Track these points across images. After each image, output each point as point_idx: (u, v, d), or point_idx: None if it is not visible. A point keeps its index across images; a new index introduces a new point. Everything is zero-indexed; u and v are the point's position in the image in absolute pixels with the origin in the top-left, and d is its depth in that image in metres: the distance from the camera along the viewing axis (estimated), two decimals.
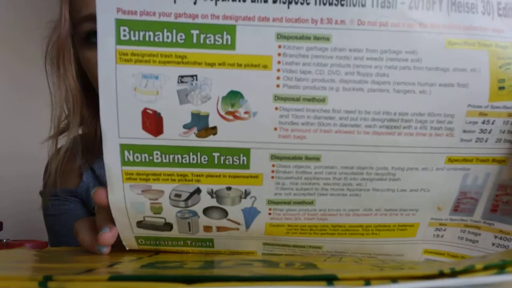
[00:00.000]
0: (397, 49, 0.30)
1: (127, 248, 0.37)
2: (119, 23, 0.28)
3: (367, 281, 0.20)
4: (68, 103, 0.53)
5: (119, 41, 0.29)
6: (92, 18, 0.46)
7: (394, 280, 0.20)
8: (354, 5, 0.29)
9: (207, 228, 0.35)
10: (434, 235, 0.36)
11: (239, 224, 0.34)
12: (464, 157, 0.33)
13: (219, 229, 0.35)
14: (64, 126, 0.56)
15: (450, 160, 0.33)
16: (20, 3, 1.06)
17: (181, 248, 0.37)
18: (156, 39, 0.29)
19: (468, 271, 0.21)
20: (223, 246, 0.36)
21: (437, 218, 0.35)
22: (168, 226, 0.35)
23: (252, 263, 0.30)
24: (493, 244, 0.35)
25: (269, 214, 0.34)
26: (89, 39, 0.48)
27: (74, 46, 0.51)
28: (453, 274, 0.20)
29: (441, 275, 0.21)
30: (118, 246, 0.36)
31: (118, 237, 0.35)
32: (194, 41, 0.29)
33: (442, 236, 0.36)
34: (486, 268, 0.21)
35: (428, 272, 0.21)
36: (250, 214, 0.34)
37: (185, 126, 0.31)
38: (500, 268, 0.20)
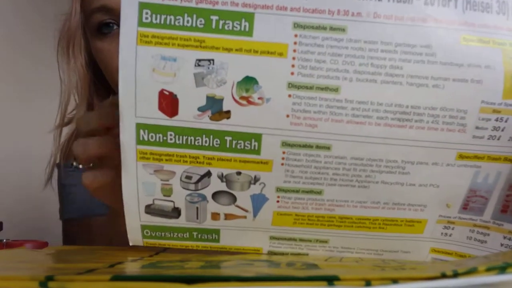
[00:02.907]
0: (411, 43, 0.31)
1: (130, 244, 0.37)
2: (142, 6, 0.30)
3: (368, 282, 0.21)
4: (77, 89, 0.56)
5: (141, 23, 0.30)
6: (105, 9, 0.49)
7: (395, 281, 0.21)
8: None
9: (215, 216, 0.36)
10: (442, 233, 0.37)
11: (247, 211, 0.35)
12: (475, 154, 0.33)
13: (226, 216, 0.36)
14: (72, 116, 0.58)
15: (461, 157, 0.33)
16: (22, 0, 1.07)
17: (186, 243, 0.37)
18: (176, 23, 0.31)
19: (471, 273, 0.21)
20: (229, 240, 0.37)
21: (445, 216, 0.36)
22: (176, 212, 0.36)
23: (253, 263, 0.31)
24: (501, 245, 0.36)
25: (277, 202, 0.35)
26: (101, 30, 0.50)
27: (85, 37, 0.53)
28: (455, 276, 0.21)
29: (443, 277, 0.21)
30: (120, 245, 0.36)
31: (121, 237, 0.36)
32: (213, 26, 0.31)
33: (450, 235, 0.37)
34: (488, 271, 0.21)
35: (430, 274, 0.21)
36: (259, 201, 0.35)
37: (199, 109, 0.32)
38: (502, 270, 0.21)
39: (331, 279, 0.21)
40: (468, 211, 0.36)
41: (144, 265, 0.30)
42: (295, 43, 0.31)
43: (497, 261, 0.22)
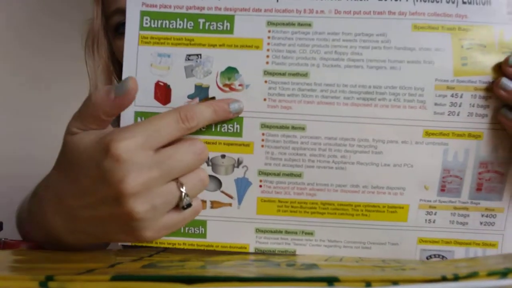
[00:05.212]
0: (369, 32, 0.37)
1: None
2: (143, 14, 0.38)
3: (368, 283, 0.21)
4: (100, 82, 0.64)
5: (142, 28, 0.38)
6: (120, 11, 0.56)
7: (395, 282, 0.21)
8: None
9: (202, 204, 0.38)
10: (426, 220, 0.38)
11: (231, 197, 0.39)
12: (440, 131, 0.37)
13: (213, 204, 0.39)
14: None
15: (427, 134, 0.37)
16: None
17: (173, 240, 0.39)
18: (170, 26, 0.38)
19: (472, 277, 0.21)
20: (215, 234, 0.39)
21: (426, 200, 0.38)
22: None
23: (252, 263, 0.31)
24: (480, 223, 0.38)
25: (260, 186, 0.39)
26: (119, 29, 0.57)
27: (107, 37, 0.62)
28: (456, 280, 0.21)
29: (443, 280, 0.21)
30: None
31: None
32: (201, 27, 0.38)
33: (434, 222, 0.39)
34: (489, 275, 0.21)
35: (430, 277, 0.21)
36: (242, 185, 0.39)
37: (189, 96, 0.38)
38: (503, 275, 0.21)
39: (331, 280, 0.21)
40: (446, 193, 0.38)
41: (144, 265, 0.30)
42: (268, 37, 0.37)
43: (499, 266, 0.23)
